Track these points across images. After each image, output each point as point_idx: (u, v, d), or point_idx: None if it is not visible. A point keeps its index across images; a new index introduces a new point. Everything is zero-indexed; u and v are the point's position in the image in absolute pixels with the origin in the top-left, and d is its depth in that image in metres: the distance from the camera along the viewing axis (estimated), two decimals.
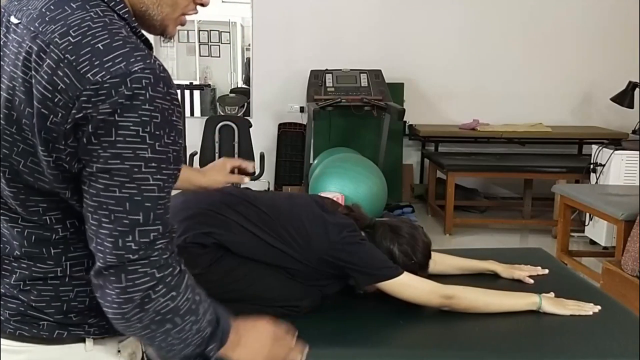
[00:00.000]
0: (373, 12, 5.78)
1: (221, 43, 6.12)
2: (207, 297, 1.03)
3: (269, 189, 5.66)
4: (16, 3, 0.98)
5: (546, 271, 2.10)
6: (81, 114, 0.86)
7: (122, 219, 0.88)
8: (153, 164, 0.88)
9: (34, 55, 0.88)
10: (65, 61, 0.86)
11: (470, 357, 1.62)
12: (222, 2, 9.40)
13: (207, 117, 5.06)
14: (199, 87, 5.94)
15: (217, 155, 4.78)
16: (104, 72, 0.86)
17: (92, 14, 0.90)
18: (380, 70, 5.43)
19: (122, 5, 0.95)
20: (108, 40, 0.88)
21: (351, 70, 5.41)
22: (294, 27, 5.78)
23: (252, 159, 4.85)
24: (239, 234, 1.76)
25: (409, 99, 5.71)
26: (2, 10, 1.00)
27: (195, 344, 0.99)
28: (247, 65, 6.03)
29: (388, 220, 1.98)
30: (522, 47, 5.82)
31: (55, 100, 0.86)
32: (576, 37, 5.81)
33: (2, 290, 0.99)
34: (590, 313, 1.79)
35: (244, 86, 6.12)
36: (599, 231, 4.32)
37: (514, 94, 5.85)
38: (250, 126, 4.92)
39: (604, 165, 4.52)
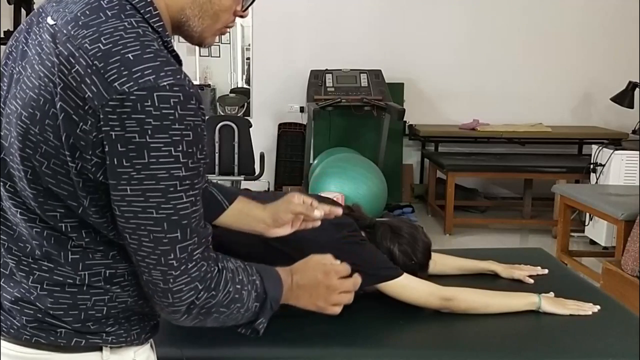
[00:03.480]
0: (373, 12, 5.78)
1: (221, 43, 6.13)
2: (253, 270, 1.09)
3: (269, 189, 5.66)
4: (54, 4, 0.97)
5: (546, 271, 2.10)
6: (108, 127, 0.85)
7: (161, 238, 0.90)
8: (187, 182, 0.89)
9: (62, 59, 0.88)
10: (94, 68, 0.86)
11: (470, 357, 1.62)
12: None
13: (207, 117, 5.05)
14: (199, 87, 5.95)
15: (217, 155, 4.78)
16: (131, 83, 0.84)
17: (125, 23, 0.89)
18: (380, 70, 5.43)
19: (157, 18, 0.94)
20: (139, 52, 0.87)
21: (351, 70, 5.42)
22: (294, 27, 5.78)
23: (252, 159, 4.86)
24: (239, 235, 1.75)
25: (409, 99, 5.71)
26: (40, 10, 1.00)
27: (246, 319, 1.08)
28: (247, 65, 6.03)
29: (388, 220, 1.98)
30: (522, 47, 5.82)
31: (86, 108, 0.86)
32: (576, 37, 5.81)
33: (19, 295, 0.98)
34: (590, 313, 1.79)
35: (244, 86, 6.12)
36: (599, 231, 4.32)
37: (514, 94, 5.85)
38: (250, 126, 4.92)
39: (604, 165, 4.52)
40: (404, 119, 5.36)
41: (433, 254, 1.95)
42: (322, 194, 3.53)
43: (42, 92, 0.89)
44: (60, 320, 0.97)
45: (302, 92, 5.59)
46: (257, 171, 4.90)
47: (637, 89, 4.83)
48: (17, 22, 4.50)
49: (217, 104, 5.94)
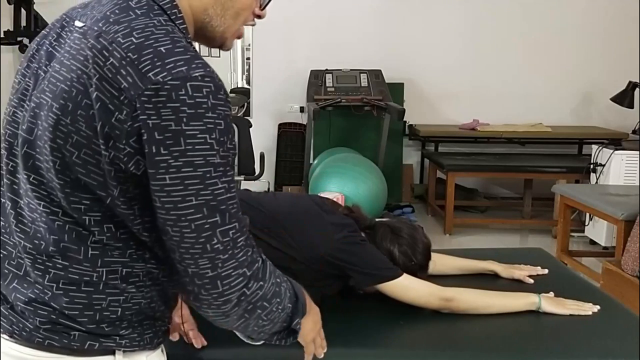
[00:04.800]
0: (373, 12, 5.78)
1: None
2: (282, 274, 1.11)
3: (269, 189, 5.66)
4: (80, 10, 1.02)
5: (546, 271, 2.10)
6: (145, 116, 0.87)
7: (202, 225, 0.91)
8: (220, 169, 0.91)
9: (96, 52, 0.91)
10: (128, 59, 0.89)
11: (470, 357, 1.62)
12: None
13: None
14: None
15: None
16: (165, 73, 0.88)
17: (155, 21, 0.93)
18: (380, 70, 5.43)
19: (181, 20, 0.98)
20: (170, 46, 0.91)
21: (351, 70, 5.42)
22: (294, 27, 5.78)
23: (252, 159, 4.85)
24: None
25: (409, 99, 5.71)
26: (65, 16, 1.04)
27: (282, 321, 1.09)
28: (247, 65, 6.03)
29: (388, 221, 1.98)
30: (522, 47, 5.82)
31: (121, 98, 0.88)
32: (576, 37, 5.81)
33: (32, 296, 0.97)
34: (590, 313, 1.79)
35: (244, 86, 6.12)
36: (599, 231, 4.32)
37: (514, 94, 5.85)
38: (250, 126, 4.91)
39: (604, 165, 4.52)
40: (404, 119, 5.36)
41: (433, 254, 1.95)
42: (322, 194, 3.53)
43: (74, 84, 0.91)
44: (75, 322, 0.97)
45: (302, 92, 5.59)
46: (257, 171, 4.90)
47: (637, 89, 4.83)
48: (17, 22, 4.50)
49: None
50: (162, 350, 1.10)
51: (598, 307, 1.81)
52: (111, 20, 0.94)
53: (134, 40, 0.90)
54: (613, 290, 2.86)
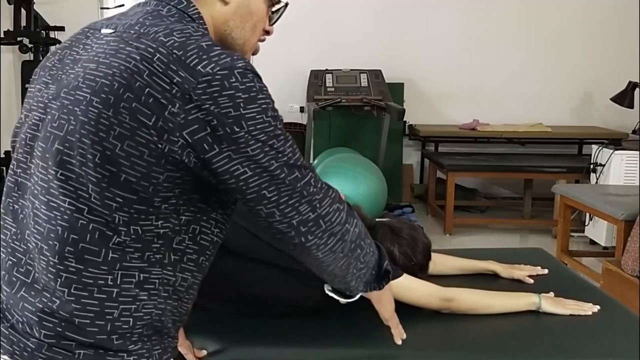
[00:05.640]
0: (373, 12, 5.78)
1: None
2: None
3: None
4: (104, 21, 1.06)
5: (546, 271, 2.10)
6: (205, 108, 0.92)
7: (285, 184, 0.99)
8: (282, 137, 0.99)
9: (141, 50, 0.94)
10: (174, 56, 0.93)
11: (470, 357, 1.62)
12: None
13: None
14: None
15: None
16: (213, 65, 0.92)
17: (189, 26, 0.99)
18: (380, 70, 5.43)
19: (207, 31, 1.04)
20: (210, 42, 0.97)
21: (351, 70, 5.41)
22: (294, 27, 5.77)
23: None
24: (239, 234, 1.76)
25: (409, 99, 5.71)
26: (87, 28, 1.08)
27: (372, 267, 1.20)
28: None
29: (388, 221, 1.98)
30: (522, 47, 5.82)
31: (173, 91, 0.92)
32: (576, 37, 5.81)
33: (40, 305, 0.97)
34: (590, 313, 1.79)
35: None
36: (599, 231, 4.32)
37: (514, 94, 5.85)
38: None
39: (604, 165, 4.52)
40: (404, 119, 5.36)
41: (433, 255, 1.95)
42: None
43: (116, 79, 0.94)
44: (83, 333, 0.96)
45: (302, 92, 5.59)
46: None
47: (637, 89, 4.83)
48: (17, 22, 4.50)
49: None
50: None
51: (598, 307, 1.81)
52: (148, 23, 0.99)
53: (176, 39, 0.95)
54: (613, 290, 2.86)
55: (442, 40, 5.81)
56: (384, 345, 1.68)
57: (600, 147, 4.62)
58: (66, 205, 0.96)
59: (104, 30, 1.02)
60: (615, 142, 4.65)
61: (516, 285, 2.01)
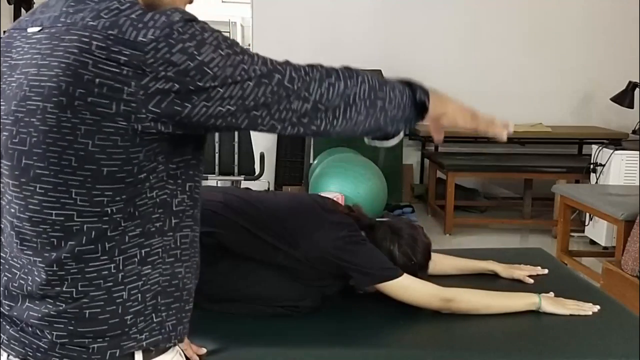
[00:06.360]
0: (373, 12, 5.78)
1: None
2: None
3: (269, 189, 5.66)
4: (27, 19, 1.02)
5: (546, 271, 2.10)
6: (163, 74, 0.89)
7: (273, 87, 0.97)
8: (246, 56, 0.96)
9: (76, 43, 0.91)
10: (112, 37, 0.90)
11: (470, 357, 1.62)
12: (222, 2, 9.39)
13: None
14: None
15: (217, 155, 4.78)
16: (152, 30, 0.90)
17: (114, 2, 0.94)
18: (380, 70, 5.42)
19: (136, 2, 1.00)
20: (140, 11, 0.93)
21: None
22: (294, 27, 5.78)
23: (252, 159, 4.85)
24: (239, 234, 1.76)
25: None
26: (11, 31, 1.04)
27: (407, 104, 1.17)
28: None
29: (388, 220, 1.98)
30: (522, 48, 5.82)
31: (124, 72, 0.89)
32: (576, 37, 5.81)
33: (46, 310, 0.96)
34: (590, 313, 1.79)
35: None
36: (599, 231, 4.32)
37: (514, 94, 5.85)
38: None
39: (604, 165, 4.52)
40: None
41: (433, 254, 1.95)
42: (322, 194, 3.52)
43: (61, 79, 0.91)
44: (96, 323, 0.96)
45: None
46: (257, 171, 4.90)
47: (637, 89, 4.83)
48: None
49: None
50: (179, 354, 1.10)
51: (598, 307, 1.81)
52: (71, 11, 0.95)
53: (105, 19, 0.92)
54: (613, 290, 2.86)
55: (442, 40, 5.80)
56: (384, 345, 1.68)
57: (600, 147, 4.62)
58: (53, 218, 0.94)
59: (30, 30, 0.99)
60: (615, 142, 4.65)
61: (516, 285, 2.01)
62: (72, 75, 0.90)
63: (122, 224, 0.96)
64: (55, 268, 0.96)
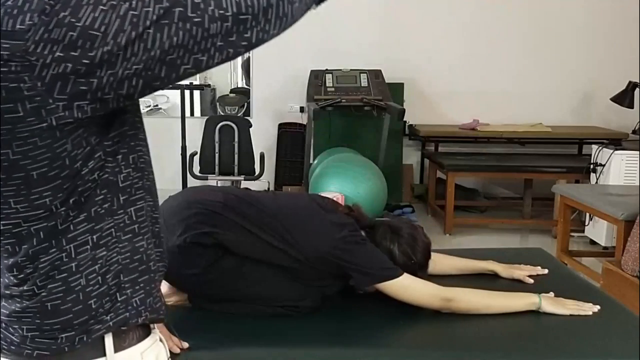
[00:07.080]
0: (373, 12, 5.78)
1: None
2: None
3: (269, 189, 5.66)
4: None
5: (546, 271, 2.10)
6: (50, 58, 0.82)
7: (177, 39, 0.85)
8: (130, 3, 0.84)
9: None
10: None
11: (470, 357, 1.62)
12: None
13: (207, 117, 5.06)
14: (199, 87, 5.94)
15: (217, 155, 4.79)
16: (29, 14, 0.81)
17: None
18: (380, 70, 5.43)
19: None
20: None
21: (351, 70, 5.41)
22: (294, 27, 5.75)
23: (252, 159, 4.86)
24: (239, 234, 1.76)
25: (409, 99, 5.71)
26: None
27: None
28: (247, 65, 6.03)
29: (388, 220, 1.98)
30: (522, 48, 5.82)
31: (12, 68, 0.82)
32: (576, 37, 5.81)
33: (13, 307, 0.97)
34: (590, 313, 1.79)
35: (244, 86, 6.12)
36: (599, 231, 4.32)
37: (514, 94, 5.85)
38: (250, 126, 4.92)
39: (604, 165, 4.52)
40: (404, 119, 5.36)
41: (433, 254, 1.95)
42: (322, 194, 3.53)
43: None
44: (60, 313, 0.96)
45: (302, 92, 5.59)
46: (257, 171, 4.90)
47: (637, 89, 4.83)
48: None
49: (217, 104, 5.93)
50: (160, 340, 1.08)
51: (598, 307, 1.81)
52: None
53: None
54: (613, 290, 2.86)
55: (443, 40, 5.81)
56: (384, 345, 1.68)
57: (600, 147, 4.62)
58: (2, 229, 0.93)
59: None
60: (615, 142, 4.65)
61: (516, 285, 2.01)
62: None
63: (71, 214, 0.93)
64: (15, 272, 0.95)
